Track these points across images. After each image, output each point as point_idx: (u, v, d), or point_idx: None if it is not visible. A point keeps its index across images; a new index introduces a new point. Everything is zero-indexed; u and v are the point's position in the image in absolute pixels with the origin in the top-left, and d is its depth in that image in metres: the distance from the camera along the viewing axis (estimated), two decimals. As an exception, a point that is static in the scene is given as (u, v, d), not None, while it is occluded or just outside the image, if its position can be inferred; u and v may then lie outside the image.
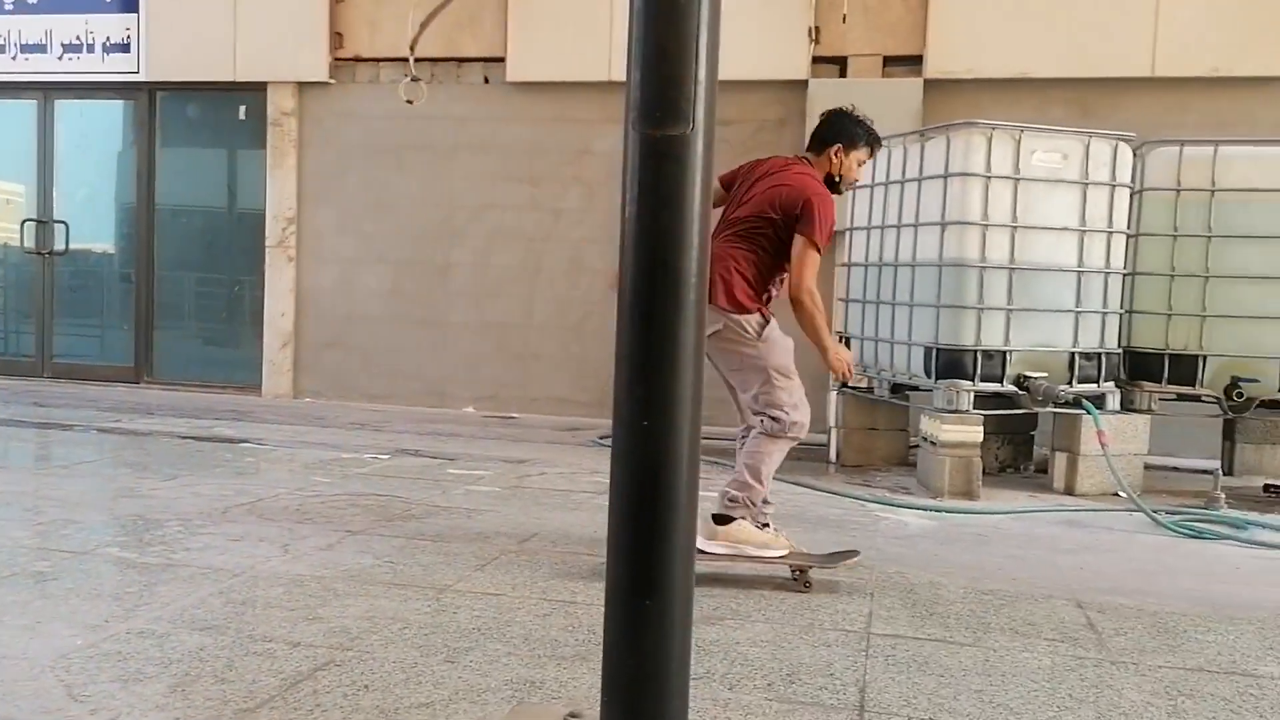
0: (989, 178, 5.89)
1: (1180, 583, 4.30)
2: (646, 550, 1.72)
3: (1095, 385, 6.16)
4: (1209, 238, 6.24)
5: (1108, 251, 6.11)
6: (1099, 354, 6.18)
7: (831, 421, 7.19)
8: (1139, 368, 6.52)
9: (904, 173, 6.42)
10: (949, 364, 6.01)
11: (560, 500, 5.46)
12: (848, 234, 7.22)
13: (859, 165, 4.31)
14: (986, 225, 5.90)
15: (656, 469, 1.69)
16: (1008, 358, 5.99)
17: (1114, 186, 6.06)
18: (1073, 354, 6.09)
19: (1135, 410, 6.38)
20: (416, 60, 8.24)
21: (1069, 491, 6.15)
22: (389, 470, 6.14)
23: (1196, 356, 6.31)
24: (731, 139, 8.59)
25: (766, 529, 4.24)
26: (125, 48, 9.69)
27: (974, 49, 8.07)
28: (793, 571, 4.02)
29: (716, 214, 4.35)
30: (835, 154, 4.24)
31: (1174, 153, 6.37)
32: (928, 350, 6.11)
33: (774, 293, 4.20)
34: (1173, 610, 3.84)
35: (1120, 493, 5.77)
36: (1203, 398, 6.49)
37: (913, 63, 8.26)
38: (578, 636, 3.24)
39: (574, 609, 3.53)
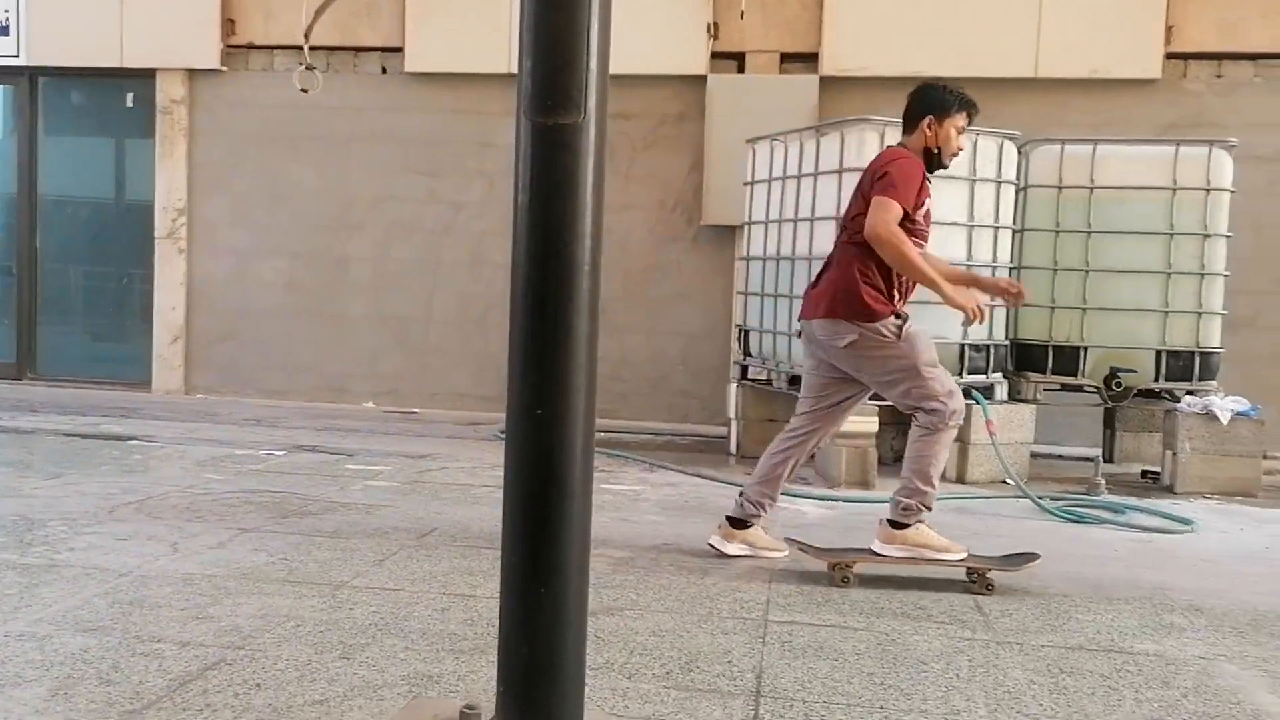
0: (883, 174, 6.01)
1: (1063, 566, 4.45)
2: (542, 537, 1.72)
3: (984, 376, 6.36)
4: (1088, 233, 6.49)
5: (994, 246, 6.31)
6: (987, 346, 6.37)
7: (731, 413, 7.28)
8: (1025, 359, 6.75)
9: (800, 168, 6.53)
10: (845, 356, 6.12)
11: (460, 495, 5.42)
12: (745, 228, 7.32)
13: (957, 133, 4.18)
14: (880, 220, 6.03)
15: (551, 456, 1.69)
16: (901, 350, 6.13)
17: (1000, 183, 6.27)
18: (962, 346, 6.27)
19: (1022, 400, 6.60)
20: (311, 48, 8.05)
21: (960, 480, 6.33)
22: (285, 466, 6.02)
23: (1078, 348, 6.56)
24: (632, 133, 8.65)
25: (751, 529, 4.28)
26: (4, 30, 9.26)
27: (868, 48, 8.24)
28: (970, 575, 4.00)
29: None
30: (928, 127, 4.14)
31: (1056, 151, 6.61)
32: (824, 343, 6.23)
33: (903, 292, 4.15)
34: (1056, 592, 3.98)
35: (1008, 480, 5.97)
36: (1085, 388, 6.75)
37: (809, 60, 8.39)
38: (477, 630, 3.22)
39: (473, 602, 3.51)
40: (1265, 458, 6.61)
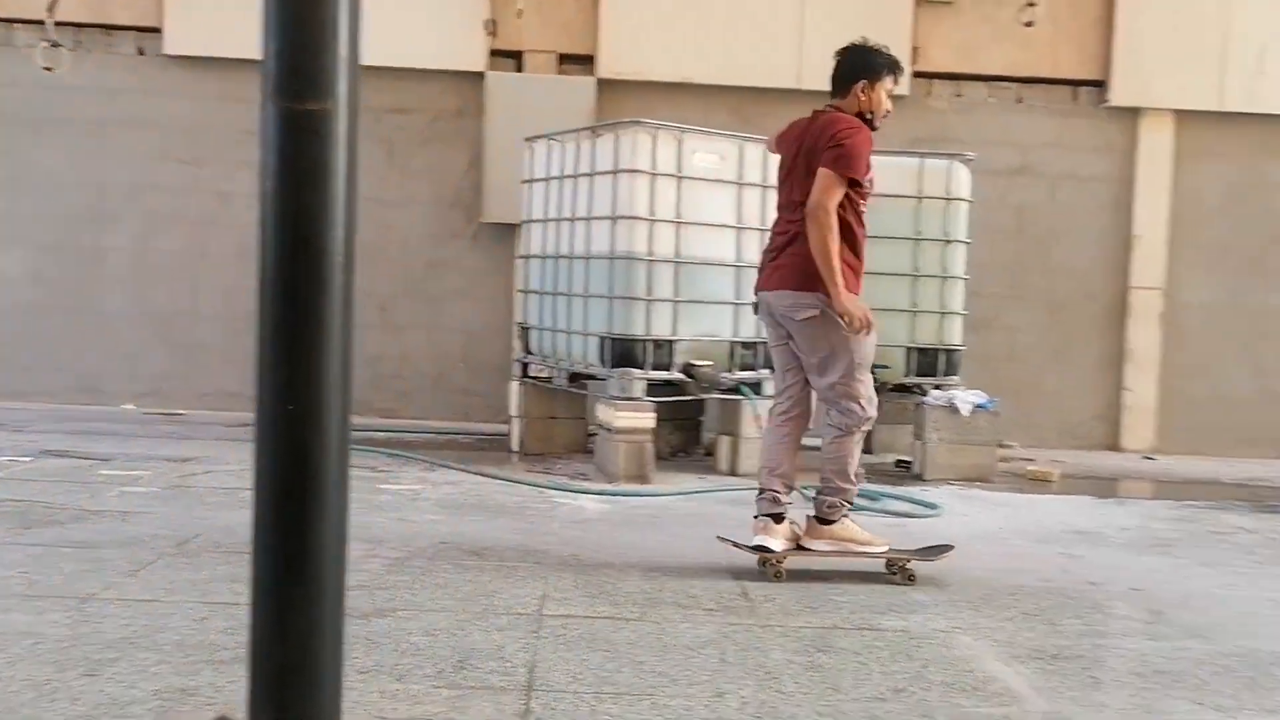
0: (654, 175, 6.18)
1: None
2: (295, 538, 1.68)
3: (754, 372, 6.62)
4: (849, 237, 6.88)
5: (760, 248, 6.58)
6: (756, 343, 6.63)
7: (513, 411, 7.28)
8: (793, 356, 7.07)
9: (576, 168, 6.61)
10: (622, 353, 6.25)
11: (227, 499, 5.18)
12: (525, 227, 7.34)
13: (888, 95, 4.20)
14: (653, 220, 6.20)
15: (303, 454, 1.66)
16: (675, 347, 6.31)
17: (765, 187, 6.53)
18: (733, 343, 6.52)
19: (789, 395, 6.91)
20: (57, 24, 7.49)
21: (733, 472, 6.56)
22: (30, 473, 5.58)
23: (839, 345, 6.93)
24: (409, 127, 8.51)
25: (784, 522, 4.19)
26: None
27: (643, 53, 8.43)
28: (890, 566, 4.16)
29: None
30: (861, 91, 4.13)
31: (818, 159, 6.96)
32: (602, 340, 6.33)
33: (859, 275, 4.21)
34: (816, 575, 4.18)
35: (776, 471, 6.23)
36: (846, 382, 7.13)
37: (586, 62, 8.51)
38: (238, 639, 3.09)
39: (235, 610, 3.36)
40: (1001, 446, 7.22)
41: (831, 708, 2.81)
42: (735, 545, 4.21)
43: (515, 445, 7.20)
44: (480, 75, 8.44)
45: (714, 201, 6.41)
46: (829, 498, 4.17)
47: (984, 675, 3.13)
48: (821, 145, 4.02)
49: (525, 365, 7.30)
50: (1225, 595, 4.25)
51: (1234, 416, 8.83)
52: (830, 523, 4.18)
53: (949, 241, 6.98)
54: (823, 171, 3.98)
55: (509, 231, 8.42)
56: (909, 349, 6.91)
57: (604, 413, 6.32)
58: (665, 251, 6.26)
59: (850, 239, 4.14)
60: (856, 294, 4.12)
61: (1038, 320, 8.80)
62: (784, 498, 4.20)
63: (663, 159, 6.22)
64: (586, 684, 2.89)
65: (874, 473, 6.77)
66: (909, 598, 3.94)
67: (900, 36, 8.49)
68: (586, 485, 5.98)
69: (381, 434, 7.35)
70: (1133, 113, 8.76)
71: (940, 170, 6.95)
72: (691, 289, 6.34)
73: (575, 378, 6.96)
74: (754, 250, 6.53)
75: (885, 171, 6.88)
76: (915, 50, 8.56)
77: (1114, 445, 8.81)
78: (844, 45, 4.26)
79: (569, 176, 6.72)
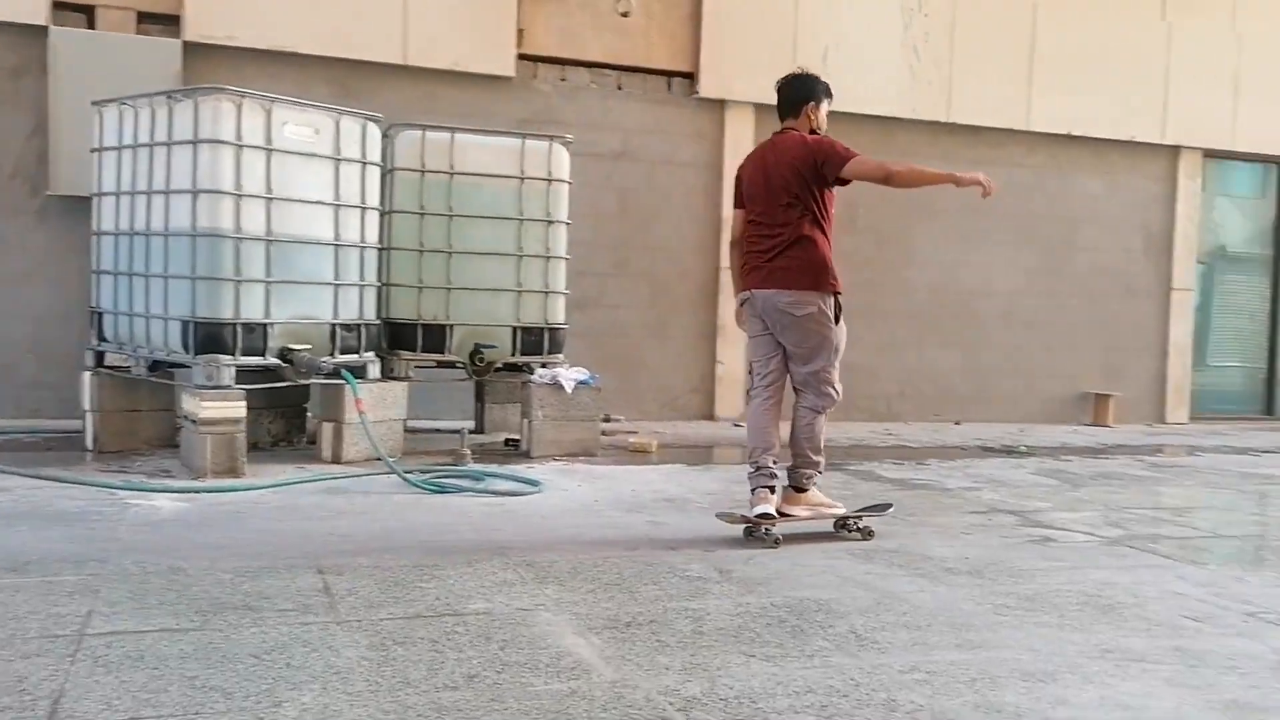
0: (240, 146, 5.78)
1: (419, 536, 4.63)
2: None
3: (357, 355, 6.40)
4: (450, 216, 6.83)
5: (362, 226, 6.37)
6: (359, 325, 6.43)
7: (86, 405, 6.56)
8: (397, 337, 6.93)
9: (153, 136, 6.04)
10: (208, 338, 5.81)
11: None
12: (96, 200, 6.62)
13: (826, 113, 4.84)
14: (240, 195, 5.80)
15: None
16: (269, 330, 5.97)
17: (365, 164, 6.33)
18: (334, 325, 6.26)
19: (395, 378, 6.77)
20: None
21: (336, 460, 6.32)
22: None
23: (445, 326, 6.89)
24: (-47, 86, 7.43)
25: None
26: None
27: (235, 16, 7.88)
28: (842, 525, 4.84)
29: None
30: (810, 112, 4.77)
31: (418, 136, 6.85)
32: (185, 324, 5.85)
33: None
34: (406, 563, 4.10)
35: (380, 457, 6.08)
36: (456, 363, 7.10)
37: (171, 22, 7.81)
38: None
39: None
40: (606, 420, 7.49)
41: (398, 704, 2.72)
42: (743, 519, 4.68)
43: (89, 443, 6.49)
44: (43, 30, 7.50)
45: (310, 177, 6.10)
46: (807, 470, 4.83)
47: (559, 650, 3.17)
48: (806, 158, 4.63)
49: (100, 354, 6.60)
50: (782, 549, 4.64)
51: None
52: (805, 490, 4.85)
53: (551, 222, 7.11)
54: (848, 168, 4.59)
55: (84, 206, 7.56)
56: (515, 328, 6.99)
57: (189, 403, 5.84)
58: (255, 229, 5.88)
59: (828, 232, 4.72)
60: (840, 302, 4.74)
61: (639, 298, 9.21)
62: (777, 471, 4.74)
63: (249, 130, 5.82)
64: (122, 710, 2.60)
65: (484, 452, 6.80)
66: (498, 578, 3.94)
67: (505, 19, 8.55)
68: (167, 483, 5.50)
69: (-80, 437, 6.38)
70: (719, 104, 9.37)
71: (541, 151, 7.06)
72: (286, 269, 6.01)
73: (157, 366, 6.38)
74: (355, 229, 6.33)
75: (488, 151, 6.97)
76: (520, 33, 8.63)
77: (709, 415, 9.44)
78: (784, 76, 4.88)
79: (145, 145, 6.12)
